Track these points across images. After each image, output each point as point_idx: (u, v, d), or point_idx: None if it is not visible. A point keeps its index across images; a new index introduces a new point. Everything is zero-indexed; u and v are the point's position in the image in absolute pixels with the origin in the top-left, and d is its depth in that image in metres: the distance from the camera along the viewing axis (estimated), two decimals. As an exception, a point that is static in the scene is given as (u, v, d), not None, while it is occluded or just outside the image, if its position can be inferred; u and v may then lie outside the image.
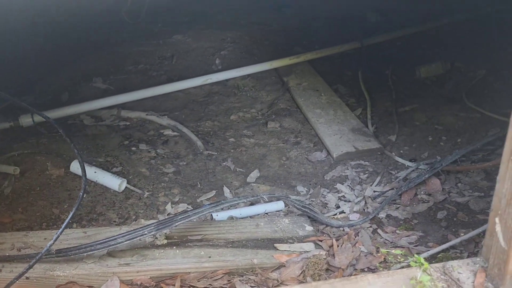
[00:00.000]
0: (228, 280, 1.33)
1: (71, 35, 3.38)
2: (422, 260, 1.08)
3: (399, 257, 1.33)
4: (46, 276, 1.27)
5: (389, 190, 1.80)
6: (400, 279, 1.08)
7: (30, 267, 1.17)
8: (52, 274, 1.27)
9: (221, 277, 1.34)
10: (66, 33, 3.37)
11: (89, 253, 1.28)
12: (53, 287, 1.27)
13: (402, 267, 1.27)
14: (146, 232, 1.30)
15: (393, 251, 1.34)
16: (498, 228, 0.96)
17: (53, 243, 1.19)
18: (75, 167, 1.84)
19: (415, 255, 1.17)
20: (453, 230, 1.52)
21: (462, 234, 1.44)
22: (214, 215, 1.64)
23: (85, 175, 1.26)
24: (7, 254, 1.32)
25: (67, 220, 1.19)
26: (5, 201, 1.67)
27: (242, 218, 1.66)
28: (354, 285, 1.07)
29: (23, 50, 3.11)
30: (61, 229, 1.18)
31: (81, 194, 1.22)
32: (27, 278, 1.25)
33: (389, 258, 1.33)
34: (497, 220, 0.97)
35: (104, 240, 1.28)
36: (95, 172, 1.81)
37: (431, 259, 1.34)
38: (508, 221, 0.94)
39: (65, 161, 1.91)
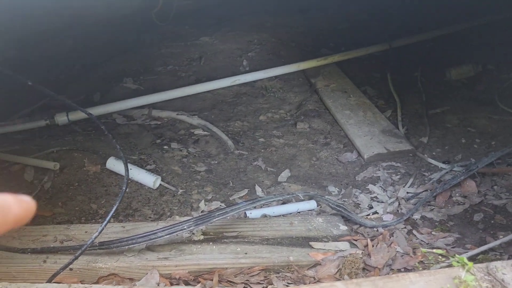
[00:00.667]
0: (265, 277, 1.34)
1: (102, 37, 3.45)
2: (466, 260, 1.08)
3: (439, 258, 1.32)
4: (89, 267, 1.30)
5: (423, 191, 1.78)
6: (442, 278, 1.08)
7: (76, 258, 1.20)
8: (95, 266, 1.30)
9: (257, 273, 1.35)
10: (96, 35, 3.45)
11: (130, 246, 1.31)
12: (95, 278, 1.31)
13: (442, 267, 1.26)
14: (185, 227, 1.32)
15: (434, 250, 1.33)
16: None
17: (98, 235, 1.22)
18: (111, 163, 1.88)
19: (456, 255, 1.16)
20: (491, 232, 1.50)
21: (501, 237, 1.42)
22: (247, 213, 1.66)
23: (127, 170, 1.29)
24: (52, 246, 1.36)
25: (110, 214, 1.23)
26: (46, 196, 1.72)
27: (275, 216, 1.67)
28: (396, 283, 1.07)
29: (56, 51, 3.20)
30: (104, 222, 1.21)
31: (124, 188, 1.25)
32: (70, 269, 1.28)
33: (429, 258, 1.32)
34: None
35: (145, 234, 1.30)
36: (130, 169, 1.85)
37: (470, 261, 1.32)
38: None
39: (101, 158, 1.96)
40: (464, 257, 1.09)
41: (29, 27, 2.81)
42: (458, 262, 1.10)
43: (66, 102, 1.43)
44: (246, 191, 1.89)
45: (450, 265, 1.16)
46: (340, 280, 1.27)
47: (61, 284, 1.23)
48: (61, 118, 2.39)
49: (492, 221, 1.56)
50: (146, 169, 1.92)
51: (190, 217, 1.61)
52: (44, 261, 1.32)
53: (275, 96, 2.79)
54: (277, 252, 1.41)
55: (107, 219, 1.20)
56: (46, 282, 1.24)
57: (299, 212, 1.72)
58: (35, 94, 2.62)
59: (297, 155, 2.18)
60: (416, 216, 1.66)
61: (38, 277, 1.28)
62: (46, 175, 1.81)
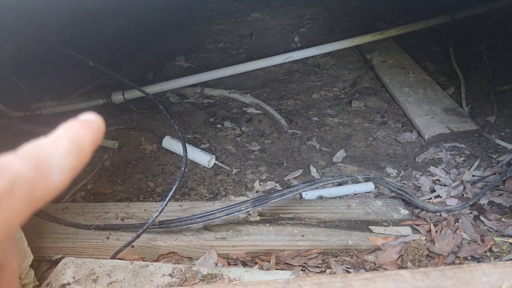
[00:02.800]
0: (323, 260, 1.31)
1: (153, 15, 3.48)
2: (546, 252, 0.99)
3: (514, 247, 1.23)
4: (149, 245, 1.33)
5: (491, 175, 1.67)
6: (519, 271, 1.00)
7: (138, 236, 1.23)
8: (155, 244, 1.33)
9: (315, 257, 1.33)
10: (148, 13, 3.48)
11: (189, 225, 1.32)
12: (156, 256, 1.34)
13: (515, 258, 1.18)
14: (243, 208, 1.32)
15: (510, 240, 1.24)
16: None
17: (158, 215, 1.24)
18: (166, 142, 1.90)
19: (534, 246, 1.08)
20: None
21: None
22: (303, 194, 1.63)
23: (186, 150, 1.29)
24: (114, 223, 1.40)
25: (170, 194, 1.24)
26: (106, 173, 1.78)
27: (331, 198, 1.63)
28: (468, 274, 1.01)
29: (110, 31, 3.27)
30: (165, 202, 1.23)
31: (183, 169, 1.26)
32: (132, 246, 1.32)
33: (503, 248, 1.24)
34: None
35: (203, 214, 1.31)
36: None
37: (547, 251, 1.23)
38: None
39: (157, 137, 1.99)
40: (545, 249, 1.01)
41: (84, 7, 2.88)
42: (537, 253, 1.02)
43: (124, 81, 1.44)
44: (300, 171, 1.85)
45: (526, 256, 1.08)
46: (406, 268, 1.22)
47: (124, 260, 1.27)
48: (117, 97, 2.44)
49: None
50: (200, 148, 1.93)
51: (247, 198, 1.61)
52: (107, 238, 1.36)
53: (328, 73, 2.70)
54: (335, 235, 1.38)
55: (167, 199, 1.21)
56: (110, 258, 1.28)
57: (355, 194, 1.67)
58: (92, 73, 2.70)
59: (352, 134, 2.11)
60: (484, 201, 1.56)
61: (102, 253, 1.33)
62: (105, 153, 1.86)
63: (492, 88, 2.28)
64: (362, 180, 1.58)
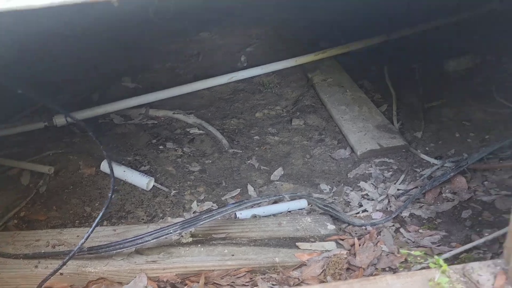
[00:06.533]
0: (251, 278, 1.37)
1: (102, 35, 3.48)
2: (441, 262, 1.09)
3: (418, 258, 1.33)
4: (78, 272, 1.34)
5: (413, 188, 1.79)
6: (419, 281, 1.09)
7: (64, 263, 1.24)
8: (84, 271, 1.34)
9: (243, 275, 1.37)
10: (95, 33, 3.48)
11: (118, 250, 1.34)
12: (85, 282, 1.35)
13: (423, 268, 1.27)
14: (171, 231, 1.35)
15: (412, 252, 1.34)
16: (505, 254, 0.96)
17: (84, 242, 1.26)
18: (105, 166, 1.91)
19: (435, 256, 1.17)
20: (477, 230, 1.51)
21: (486, 234, 1.42)
22: (238, 213, 1.68)
23: (114, 177, 1.32)
24: (43, 251, 1.40)
25: (96, 221, 1.26)
26: (41, 199, 1.77)
27: (265, 216, 1.69)
28: (373, 285, 1.09)
29: (56, 51, 3.24)
30: (91, 229, 1.25)
31: (110, 195, 1.28)
32: (61, 274, 1.33)
33: (409, 259, 1.33)
34: (505, 250, 0.96)
35: (133, 239, 1.34)
36: (124, 171, 1.89)
37: (454, 260, 1.34)
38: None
39: (97, 160, 1.99)
40: (440, 259, 1.10)
41: (30, 29, 2.85)
42: (435, 263, 1.11)
43: (52, 106, 1.46)
44: (238, 190, 1.91)
45: (429, 266, 1.17)
46: (322, 282, 1.29)
47: (51, 288, 1.28)
48: (59, 120, 2.43)
49: (480, 218, 1.57)
50: (140, 170, 1.95)
51: (180, 219, 1.65)
52: (36, 266, 1.36)
53: (273, 92, 2.79)
54: (264, 253, 1.44)
55: (93, 226, 1.23)
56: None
57: (289, 211, 1.74)
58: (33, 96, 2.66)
59: (291, 152, 2.19)
60: (405, 213, 1.66)
61: (29, 282, 1.33)
62: (41, 179, 1.85)
63: (422, 104, 2.43)
64: (288, 199, 1.65)
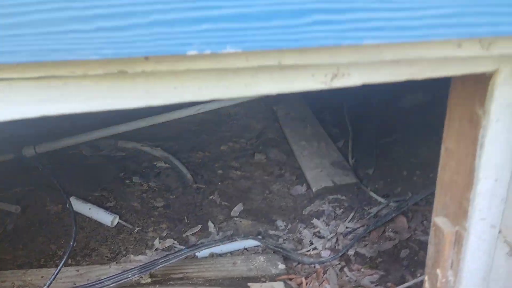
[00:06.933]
0: (204, 318, 1.48)
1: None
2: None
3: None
4: (41, 314, 1.43)
5: (360, 227, 1.94)
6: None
7: (27, 309, 1.33)
8: (47, 313, 1.43)
9: (197, 315, 1.49)
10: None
11: (79, 294, 1.44)
12: (48, 324, 1.43)
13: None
14: (130, 275, 1.46)
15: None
16: (426, 285, 1.11)
17: (48, 286, 1.35)
18: (72, 203, 2.00)
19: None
20: (412, 270, 1.66)
21: (418, 275, 1.58)
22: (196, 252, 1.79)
23: (76, 226, 1.41)
24: (8, 294, 1.48)
25: (59, 267, 1.35)
26: (7, 238, 1.84)
27: (222, 254, 1.81)
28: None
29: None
30: (53, 277, 1.34)
31: (72, 244, 1.38)
32: (24, 316, 1.41)
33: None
34: (426, 277, 1.11)
35: (94, 283, 1.43)
36: (89, 209, 1.98)
37: (388, 300, 1.48)
38: (433, 281, 1.08)
39: (63, 197, 2.08)
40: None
41: None
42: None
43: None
44: (199, 227, 2.02)
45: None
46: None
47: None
48: (28, 151, 2.49)
49: (416, 258, 1.72)
50: (106, 207, 2.05)
51: (141, 257, 1.75)
52: (0, 309, 1.44)
53: (238, 123, 2.93)
54: (217, 293, 1.56)
55: (54, 274, 1.33)
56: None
57: (245, 249, 1.86)
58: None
59: (252, 187, 2.32)
60: (351, 252, 1.81)
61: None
62: (8, 217, 1.92)
63: (375, 141, 2.60)
64: (239, 242, 1.77)
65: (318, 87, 0.69)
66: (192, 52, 0.55)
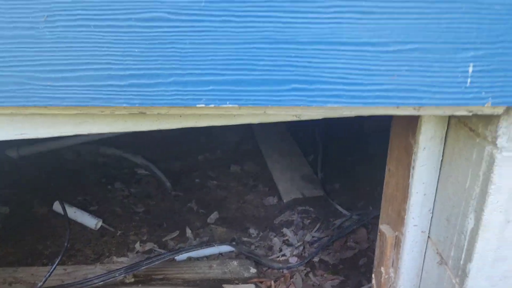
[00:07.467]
0: (182, 315, 1.64)
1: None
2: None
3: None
4: (32, 309, 1.56)
5: (325, 237, 2.15)
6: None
7: (21, 303, 1.46)
8: (38, 308, 1.56)
9: (176, 312, 1.65)
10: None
11: (69, 291, 1.57)
12: (38, 318, 1.56)
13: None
14: (117, 274, 1.61)
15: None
16: (373, 282, 1.32)
17: (43, 284, 1.48)
18: (57, 207, 2.12)
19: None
20: (368, 276, 1.88)
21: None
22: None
23: (69, 229, 1.55)
24: (1, 290, 1.61)
25: (54, 267, 1.49)
26: (-3, 237, 1.96)
27: (199, 258, 1.98)
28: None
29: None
30: (48, 274, 1.48)
31: (66, 245, 1.52)
32: (17, 310, 1.54)
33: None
34: (373, 275, 1.32)
35: (84, 281, 1.58)
36: (74, 212, 2.11)
37: (345, 302, 1.69)
38: (378, 277, 1.29)
39: (50, 199, 2.20)
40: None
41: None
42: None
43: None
44: (177, 232, 2.18)
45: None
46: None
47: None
48: (11, 153, 2.59)
49: (372, 265, 1.94)
50: (89, 211, 2.18)
51: (125, 259, 1.90)
52: (-6, 303, 1.56)
53: (216, 135, 3.10)
54: (195, 293, 1.72)
55: (50, 271, 1.46)
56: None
57: (221, 254, 2.03)
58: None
59: (227, 197, 2.50)
60: (316, 259, 2.01)
61: (-12, 318, 1.53)
62: (-3, 218, 2.04)
63: (343, 157, 2.83)
64: (216, 247, 1.95)
65: (290, 119, 0.88)
66: (200, 105, 0.73)
